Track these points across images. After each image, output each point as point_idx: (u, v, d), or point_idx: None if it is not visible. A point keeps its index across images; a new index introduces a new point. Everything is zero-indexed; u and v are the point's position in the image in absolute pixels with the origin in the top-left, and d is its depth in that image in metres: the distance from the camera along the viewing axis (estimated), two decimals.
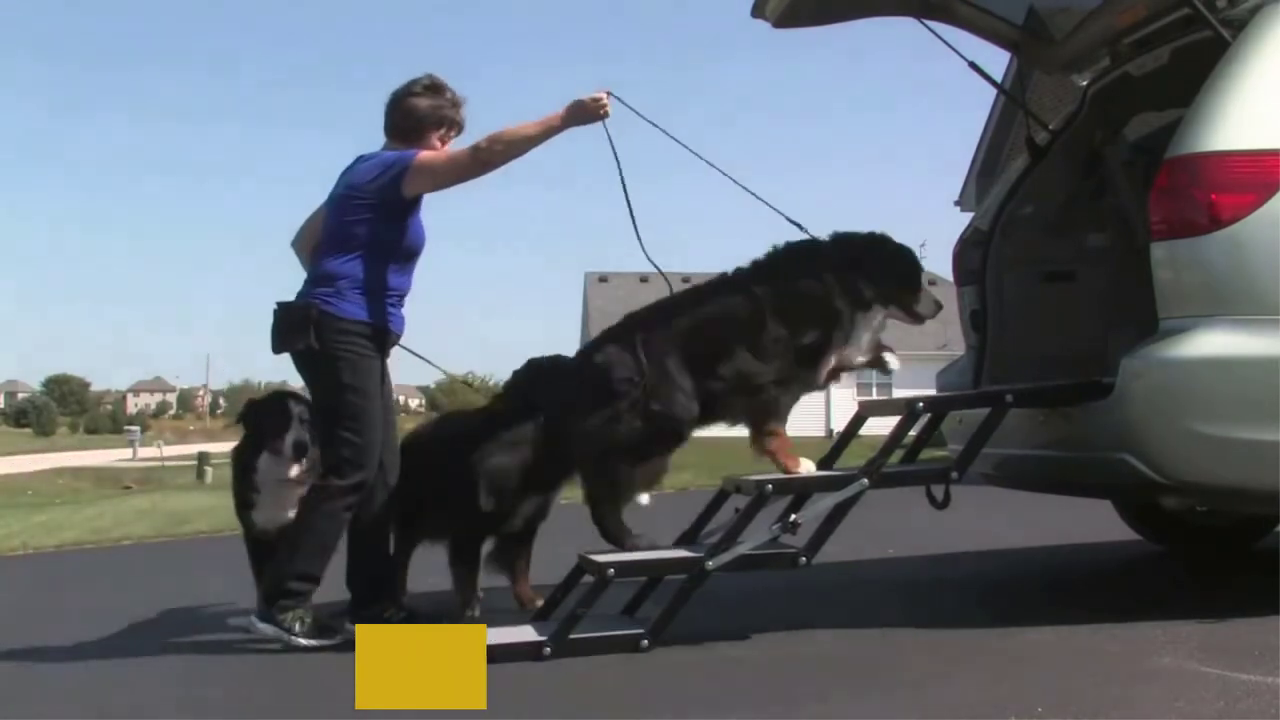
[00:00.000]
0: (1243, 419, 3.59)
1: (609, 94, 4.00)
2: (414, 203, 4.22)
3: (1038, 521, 6.24)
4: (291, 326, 4.15)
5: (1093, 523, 5.61)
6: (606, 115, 4.02)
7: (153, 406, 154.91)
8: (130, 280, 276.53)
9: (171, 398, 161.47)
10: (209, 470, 30.36)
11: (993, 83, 5.20)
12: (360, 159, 4.29)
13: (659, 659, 3.61)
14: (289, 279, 4.31)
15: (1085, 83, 5.02)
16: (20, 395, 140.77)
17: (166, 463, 37.93)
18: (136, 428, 73.21)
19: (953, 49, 4.80)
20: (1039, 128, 5.14)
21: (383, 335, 4.21)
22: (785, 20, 4.68)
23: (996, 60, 5.40)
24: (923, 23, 4.77)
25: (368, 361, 4.15)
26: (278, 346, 4.21)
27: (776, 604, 4.43)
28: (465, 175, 4.13)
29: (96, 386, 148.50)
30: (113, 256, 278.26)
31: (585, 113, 4.00)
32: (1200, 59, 3.88)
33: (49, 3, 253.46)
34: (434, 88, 4.28)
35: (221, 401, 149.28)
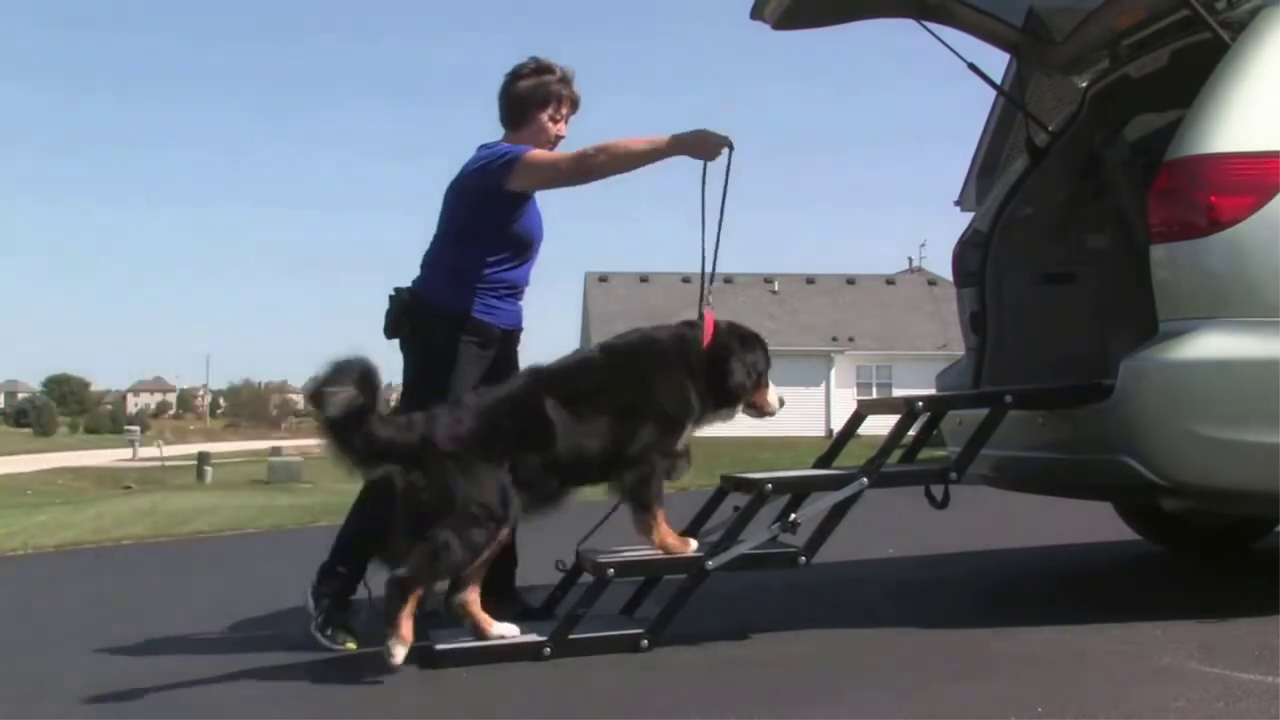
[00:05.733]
0: (1242, 421, 3.59)
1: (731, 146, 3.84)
2: (520, 196, 4.07)
3: (1038, 521, 6.24)
4: (392, 313, 4.09)
5: (1093, 523, 5.62)
6: (714, 158, 3.84)
7: (153, 406, 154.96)
8: (130, 280, 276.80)
9: (171, 398, 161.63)
10: (209, 470, 30.48)
11: (992, 84, 5.20)
12: (480, 148, 4.18)
13: (659, 659, 3.61)
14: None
15: (1085, 84, 5.03)
16: (20, 395, 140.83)
17: (166, 463, 37.94)
18: (136, 428, 73.13)
19: (952, 50, 4.81)
20: (1038, 129, 5.15)
21: (478, 326, 4.06)
22: (784, 22, 4.68)
23: (996, 61, 5.40)
24: (922, 24, 4.77)
25: (452, 350, 4.00)
26: (385, 333, 4.13)
27: (776, 603, 4.44)
28: (568, 180, 4.03)
29: (96, 386, 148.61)
30: (113, 256, 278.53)
31: (703, 146, 3.83)
32: (1199, 61, 3.89)
33: None
34: (537, 69, 4.18)
35: (221, 401, 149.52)
